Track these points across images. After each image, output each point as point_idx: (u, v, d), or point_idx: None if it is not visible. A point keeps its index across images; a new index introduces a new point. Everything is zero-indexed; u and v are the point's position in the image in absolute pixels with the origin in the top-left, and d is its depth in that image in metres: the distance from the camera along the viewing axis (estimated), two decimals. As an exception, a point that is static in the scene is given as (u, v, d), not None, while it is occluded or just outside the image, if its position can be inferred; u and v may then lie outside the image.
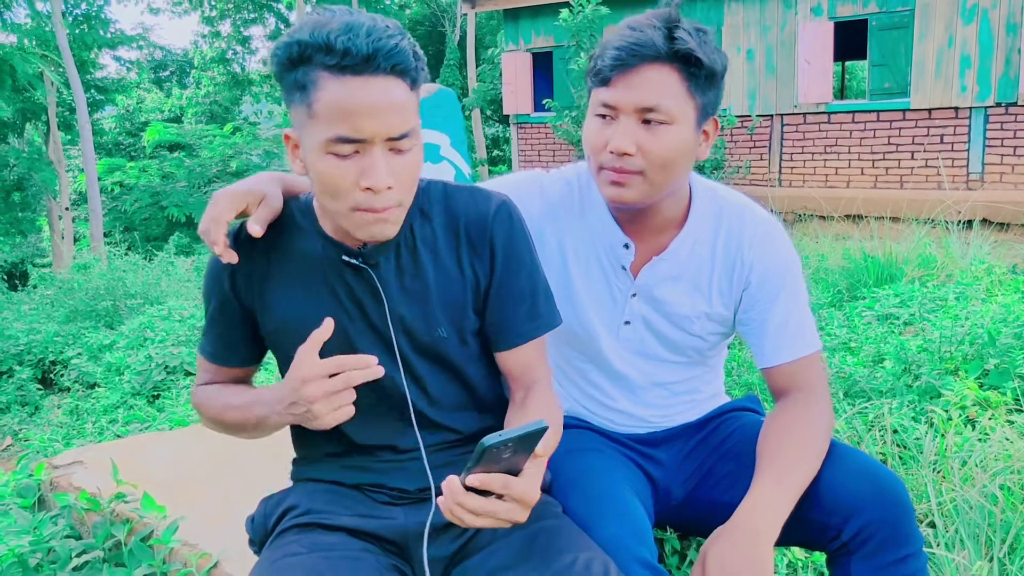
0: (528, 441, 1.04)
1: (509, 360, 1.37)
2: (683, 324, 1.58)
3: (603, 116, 1.43)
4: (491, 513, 1.08)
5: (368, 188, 1.15)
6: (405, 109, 1.16)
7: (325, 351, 1.24)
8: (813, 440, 1.42)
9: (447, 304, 1.32)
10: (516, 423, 1.29)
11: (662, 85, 1.37)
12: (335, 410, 1.19)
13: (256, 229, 1.26)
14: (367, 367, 1.19)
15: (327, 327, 1.23)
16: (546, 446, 1.09)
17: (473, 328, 1.35)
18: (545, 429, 1.03)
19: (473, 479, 1.06)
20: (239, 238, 1.31)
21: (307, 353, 1.20)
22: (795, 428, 1.44)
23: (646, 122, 1.39)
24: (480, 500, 1.07)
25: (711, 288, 1.56)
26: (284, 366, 1.34)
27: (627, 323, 1.59)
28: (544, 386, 1.37)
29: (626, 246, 1.54)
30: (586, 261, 1.57)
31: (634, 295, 1.57)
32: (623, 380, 1.64)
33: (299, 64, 1.14)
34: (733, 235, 1.54)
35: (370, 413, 1.31)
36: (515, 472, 1.08)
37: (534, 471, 1.10)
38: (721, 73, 1.42)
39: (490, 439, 1.01)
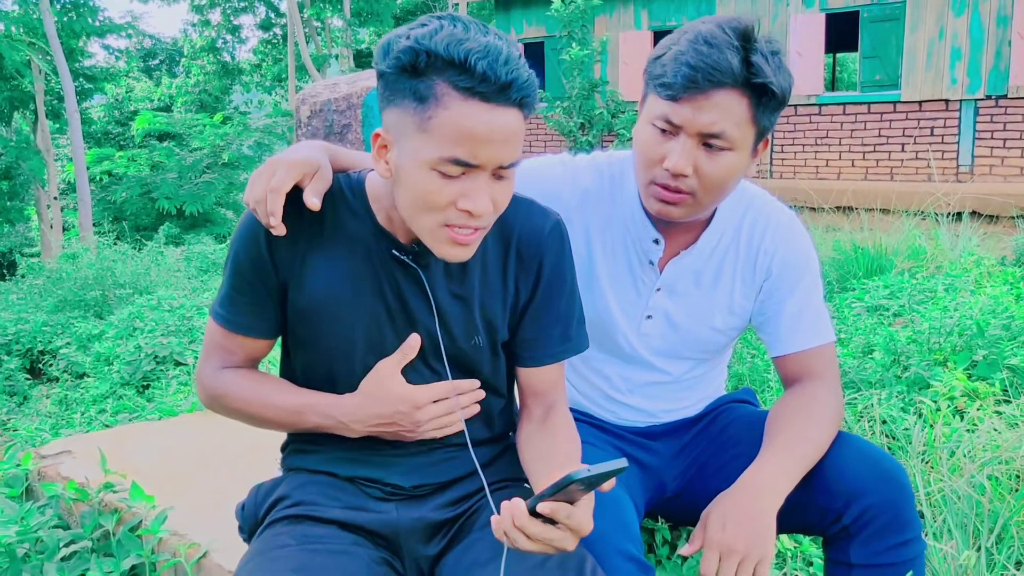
0: (605, 478, 1.03)
1: (533, 377, 1.37)
2: (705, 319, 1.58)
3: (662, 129, 1.39)
4: (547, 540, 1.07)
5: (467, 211, 1.13)
6: (519, 140, 1.14)
7: (352, 337, 1.27)
8: (821, 420, 1.43)
9: (486, 313, 1.32)
10: (539, 441, 1.31)
11: (731, 112, 1.34)
12: (442, 428, 1.30)
13: (314, 202, 1.21)
14: (474, 389, 1.33)
15: (414, 343, 1.28)
16: (611, 484, 1.09)
17: (503, 340, 1.36)
18: (624, 469, 1.02)
19: (544, 507, 1.05)
20: (284, 207, 1.25)
21: (395, 368, 1.27)
22: (804, 408, 1.45)
23: (707, 145, 1.37)
24: (542, 527, 1.07)
25: (734, 280, 1.56)
26: (303, 345, 1.32)
27: (649, 317, 1.58)
28: (565, 406, 1.39)
29: (656, 241, 1.53)
30: (612, 252, 1.57)
31: (658, 289, 1.56)
32: (634, 373, 1.64)
33: (424, 74, 1.08)
34: (757, 226, 1.55)
35: None
36: (572, 502, 1.08)
37: (587, 504, 1.09)
38: (788, 98, 1.39)
39: (578, 474, 1.00)
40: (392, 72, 1.11)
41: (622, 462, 1.01)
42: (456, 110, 1.08)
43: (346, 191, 1.29)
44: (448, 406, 1.29)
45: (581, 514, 1.07)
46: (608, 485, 1.08)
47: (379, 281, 1.28)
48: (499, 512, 1.10)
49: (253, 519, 1.37)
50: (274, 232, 1.21)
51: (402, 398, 1.25)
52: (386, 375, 1.26)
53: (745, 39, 1.33)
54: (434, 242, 1.17)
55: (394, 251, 1.27)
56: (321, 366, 1.32)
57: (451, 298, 1.30)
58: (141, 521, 1.91)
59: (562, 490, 1.03)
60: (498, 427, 1.42)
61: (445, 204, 1.13)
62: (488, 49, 1.07)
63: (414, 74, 1.09)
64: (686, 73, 1.32)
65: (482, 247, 1.31)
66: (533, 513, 1.06)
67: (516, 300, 1.34)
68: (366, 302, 1.27)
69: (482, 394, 1.33)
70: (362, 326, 1.28)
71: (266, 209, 1.20)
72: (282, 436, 1.44)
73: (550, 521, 1.07)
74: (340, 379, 1.31)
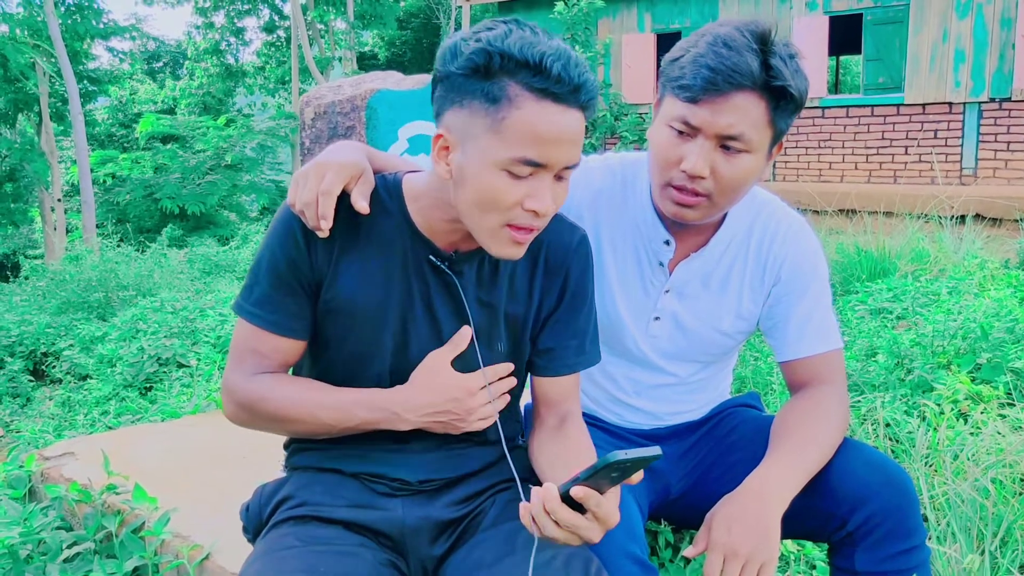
0: (637, 466, 1.03)
1: (548, 386, 1.39)
2: (713, 322, 1.58)
3: (679, 131, 1.39)
4: (574, 528, 1.06)
5: (533, 211, 1.15)
6: (582, 141, 1.17)
7: (380, 338, 1.28)
8: (828, 425, 1.43)
9: (511, 322, 1.34)
10: (554, 449, 1.31)
11: (749, 114, 1.34)
12: (486, 417, 1.28)
13: (364, 205, 1.22)
14: (508, 375, 1.32)
15: (465, 334, 1.29)
16: (639, 475, 1.08)
17: (527, 351, 1.37)
18: (659, 457, 1.02)
19: (578, 491, 1.05)
20: None
21: (446, 359, 1.28)
22: (811, 413, 1.45)
23: (724, 147, 1.37)
24: (572, 514, 1.06)
25: (743, 284, 1.56)
26: (328, 346, 1.31)
27: (657, 319, 1.58)
28: (579, 417, 1.39)
29: (667, 243, 1.53)
30: (623, 253, 1.57)
31: (667, 291, 1.57)
32: (641, 375, 1.64)
33: (496, 75, 1.11)
34: (767, 231, 1.55)
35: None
36: (600, 492, 1.07)
37: (614, 496, 1.09)
38: (805, 101, 1.39)
39: (615, 455, 1.00)
40: (461, 73, 1.13)
41: (656, 450, 1.01)
42: (530, 110, 1.10)
43: (382, 193, 1.29)
44: (487, 394, 1.29)
45: (609, 505, 1.07)
46: (636, 477, 1.08)
47: (409, 284, 1.28)
48: (522, 501, 1.10)
49: (257, 520, 1.37)
50: (321, 234, 1.22)
51: (457, 386, 1.26)
52: (439, 365, 1.27)
53: (763, 42, 1.33)
54: (493, 241, 1.19)
55: (431, 257, 1.28)
56: (344, 368, 1.31)
57: (478, 305, 1.31)
58: (144, 523, 1.91)
59: (597, 474, 1.02)
60: (506, 430, 1.41)
61: (511, 204, 1.14)
62: (560, 52, 1.11)
63: (486, 75, 1.11)
64: (705, 75, 1.33)
65: None
66: (564, 499, 1.06)
67: (539, 310, 1.36)
68: (394, 304, 1.28)
69: (514, 381, 1.33)
70: (389, 328, 1.28)
71: (317, 212, 1.20)
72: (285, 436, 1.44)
73: (579, 508, 1.07)
74: (361, 382, 1.31)
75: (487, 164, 1.13)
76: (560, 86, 1.10)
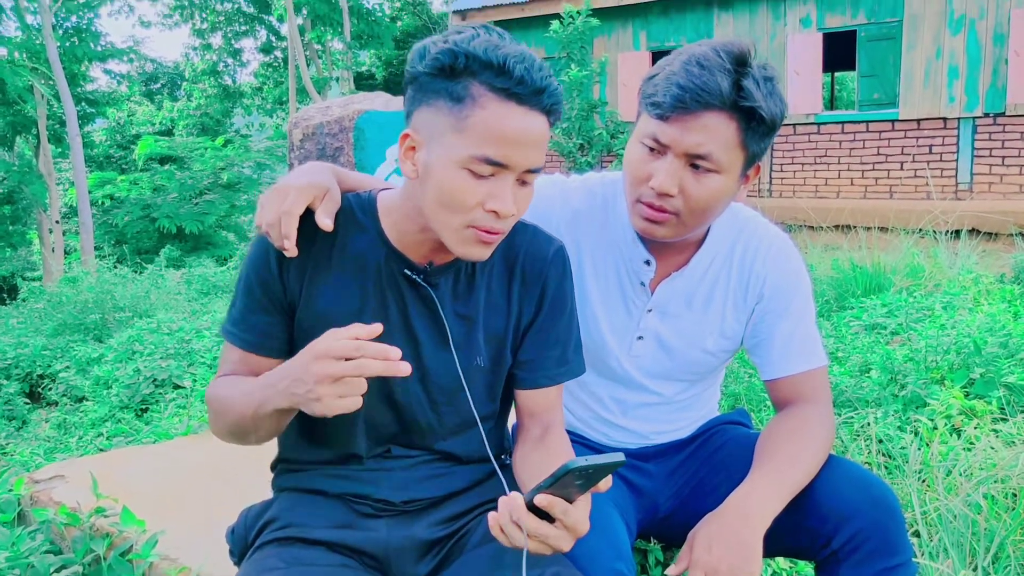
0: (601, 472, 1.03)
1: (531, 399, 1.38)
2: (696, 341, 1.58)
3: (650, 148, 1.40)
4: (543, 537, 1.06)
5: (494, 211, 1.16)
6: (545, 146, 1.18)
7: None
8: (812, 444, 1.42)
9: (490, 335, 1.34)
10: (536, 459, 1.30)
11: (718, 134, 1.34)
12: (340, 397, 1.05)
13: (327, 223, 1.23)
14: (388, 359, 1.04)
15: (375, 329, 1.06)
16: (607, 482, 1.08)
17: (508, 364, 1.36)
18: (623, 463, 1.02)
19: (542, 499, 1.04)
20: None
21: (334, 333, 1.06)
22: (795, 431, 1.44)
23: (693, 166, 1.37)
24: (538, 522, 1.05)
25: (726, 303, 1.56)
26: None
27: (640, 338, 1.58)
28: (562, 428, 1.39)
29: (647, 263, 1.53)
30: (604, 273, 1.57)
31: (650, 311, 1.56)
32: (626, 394, 1.64)
33: (461, 75, 1.13)
34: (749, 249, 1.55)
35: (374, 414, 1.31)
36: (570, 501, 1.07)
37: (584, 504, 1.09)
38: (779, 125, 1.40)
39: (575, 463, 0.99)
40: (428, 73, 1.15)
41: (619, 456, 1.01)
42: (493, 110, 1.12)
43: (356, 210, 1.30)
44: (351, 366, 1.03)
45: (578, 513, 1.07)
46: (604, 484, 1.07)
47: (384, 299, 1.29)
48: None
49: (243, 542, 1.37)
50: (287, 254, 1.23)
51: (307, 349, 1.07)
52: (330, 334, 1.07)
53: (739, 63, 1.34)
54: (457, 241, 1.19)
55: (406, 270, 1.28)
56: None
57: (455, 318, 1.31)
58: (132, 546, 1.91)
59: (559, 481, 1.02)
60: (491, 447, 1.41)
61: (473, 204, 1.16)
62: (524, 55, 1.13)
63: (451, 75, 1.14)
64: (675, 93, 1.33)
65: (489, 269, 1.33)
66: (531, 508, 1.06)
67: (519, 321, 1.36)
68: (370, 320, 1.27)
69: (405, 369, 1.04)
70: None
71: (280, 232, 1.21)
72: (273, 455, 1.44)
73: (547, 518, 1.06)
74: None
75: (450, 162, 1.14)
76: (522, 87, 1.12)
